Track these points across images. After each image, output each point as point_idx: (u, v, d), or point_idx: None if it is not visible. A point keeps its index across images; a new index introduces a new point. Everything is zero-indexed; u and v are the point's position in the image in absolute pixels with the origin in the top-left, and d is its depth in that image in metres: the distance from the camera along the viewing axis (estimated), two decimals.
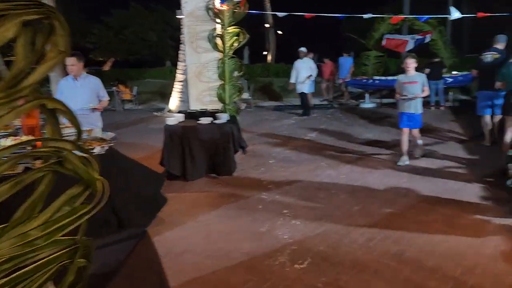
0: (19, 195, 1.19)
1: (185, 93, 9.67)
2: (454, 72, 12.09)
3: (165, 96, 12.93)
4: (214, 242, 3.65)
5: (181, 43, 10.16)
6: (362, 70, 13.21)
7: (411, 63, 5.75)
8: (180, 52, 10.99)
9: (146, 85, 16.76)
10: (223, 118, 5.74)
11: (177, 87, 11.48)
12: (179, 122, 5.71)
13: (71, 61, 4.84)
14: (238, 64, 6.41)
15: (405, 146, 5.96)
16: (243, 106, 10.07)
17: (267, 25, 22.72)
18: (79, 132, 1.36)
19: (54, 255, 1.23)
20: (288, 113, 11.59)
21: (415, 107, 5.78)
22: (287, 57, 15.40)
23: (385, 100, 12.78)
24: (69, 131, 4.02)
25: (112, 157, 3.92)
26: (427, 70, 10.85)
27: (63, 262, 1.26)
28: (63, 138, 1.28)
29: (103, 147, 3.90)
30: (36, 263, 1.17)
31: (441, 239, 3.55)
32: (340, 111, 11.70)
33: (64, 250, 1.26)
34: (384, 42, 12.51)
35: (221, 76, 6.28)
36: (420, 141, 6.14)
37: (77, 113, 4.60)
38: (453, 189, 4.84)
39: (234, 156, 5.73)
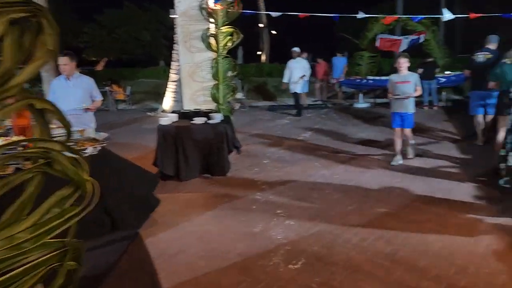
0: (7, 196, 1.16)
1: (178, 93, 9.63)
2: (447, 72, 12.15)
3: (159, 96, 12.87)
4: (208, 242, 3.63)
5: (174, 43, 10.11)
6: (356, 70, 13.24)
7: (403, 63, 5.77)
8: (173, 51, 10.95)
9: (139, 85, 16.68)
10: (217, 118, 5.72)
11: (170, 87, 11.43)
12: (173, 122, 5.68)
13: (63, 61, 4.80)
14: (232, 64, 6.39)
15: (398, 145, 5.98)
16: (237, 106, 10.05)
17: (261, 25, 22.70)
18: (69, 132, 1.33)
19: (43, 258, 1.21)
20: (282, 113, 11.58)
21: (408, 107, 5.79)
22: (281, 57, 15.42)
23: (378, 100, 12.81)
24: (61, 131, 4.00)
25: (105, 157, 3.89)
26: (420, 70, 10.90)
27: (53, 265, 1.24)
28: (52, 138, 1.26)
29: (95, 147, 3.87)
30: (25, 266, 1.15)
31: (434, 239, 3.56)
32: (334, 111, 11.72)
33: (53, 253, 1.23)
34: (378, 43, 12.54)
35: (215, 76, 6.26)
36: (412, 141, 6.16)
37: (70, 113, 4.60)
38: (446, 189, 4.86)
39: (228, 156, 5.71)
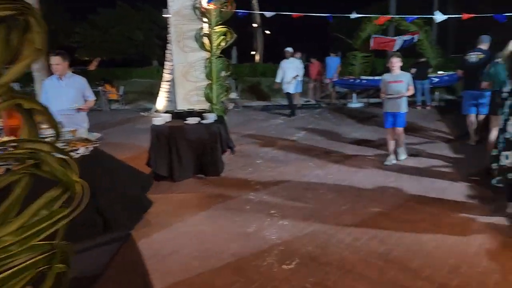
0: None
1: (172, 93, 9.59)
2: (439, 72, 12.22)
3: (152, 96, 12.81)
4: (202, 243, 3.61)
5: (168, 43, 10.07)
6: (349, 70, 13.27)
7: (396, 62, 5.77)
8: (167, 51, 10.89)
9: (133, 85, 16.60)
10: (211, 118, 5.70)
11: (164, 87, 11.38)
12: (166, 122, 5.65)
13: (55, 60, 4.77)
14: (226, 63, 6.37)
15: (391, 145, 5.99)
16: (231, 106, 10.03)
17: (255, 25, 22.68)
18: (58, 133, 1.31)
19: (31, 261, 1.18)
20: (276, 113, 11.58)
21: (400, 106, 5.80)
22: (275, 57, 15.40)
23: (372, 100, 12.85)
24: (53, 131, 3.97)
25: (97, 157, 3.86)
26: (413, 70, 10.95)
27: (41, 268, 1.22)
28: (41, 139, 1.23)
29: (87, 147, 3.84)
30: (12, 269, 1.13)
31: (427, 238, 3.57)
32: (327, 111, 11.74)
33: (42, 256, 1.21)
34: (372, 44, 12.58)
35: (209, 75, 6.24)
36: (404, 141, 6.14)
37: (62, 113, 4.55)
38: (439, 188, 4.87)
39: (222, 157, 5.69)
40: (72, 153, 3.66)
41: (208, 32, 6.13)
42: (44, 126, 2.43)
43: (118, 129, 9.77)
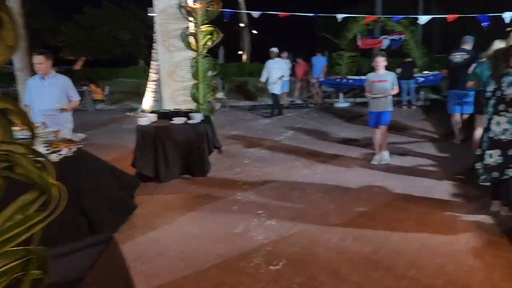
0: None
1: (159, 92, 9.50)
2: (425, 72, 12.35)
3: (139, 96, 12.69)
4: (188, 244, 3.57)
5: (154, 42, 9.97)
6: (336, 69, 13.33)
7: (381, 62, 5.78)
8: (153, 51, 10.79)
9: (118, 85, 16.41)
10: (197, 118, 5.65)
11: (150, 86, 11.28)
12: (152, 122, 5.58)
13: (38, 60, 4.68)
14: (212, 63, 6.33)
15: (378, 145, 6.01)
16: (218, 106, 9.96)
17: (242, 25, 22.64)
18: (33, 134, 1.26)
19: (5, 267, 1.14)
20: (263, 113, 11.56)
21: (385, 106, 5.80)
22: (262, 57, 15.39)
23: (358, 100, 12.93)
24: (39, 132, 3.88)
25: (80, 158, 3.80)
26: (399, 70, 11.07)
27: (16, 275, 1.17)
28: (15, 140, 1.18)
29: (70, 148, 3.77)
30: None
31: (414, 237, 3.59)
32: (314, 111, 11.77)
33: (17, 262, 1.17)
34: (359, 43, 12.67)
35: (195, 75, 6.19)
36: (386, 142, 6.11)
37: (45, 113, 4.46)
38: (425, 187, 4.91)
39: (209, 157, 5.65)
40: (54, 154, 3.60)
41: (194, 32, 6.07)
42: (19, 127, 2.36)
43: (103, 129, 9.64)
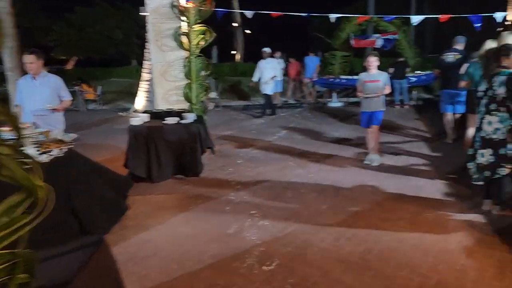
0: None
1: (151, 92, 9.45)
2: (417, 72, 12.41)
3: (131, 95, 12.61)
4: (181, 245, 3.55)
5: (147, 42, 9.92)
6: (329, 69, 13.35)
7: (373, 62, 5.77)
8: (146, 50, 10.73)
9: (111, 85, 16.31)
10: (190, 118, 5.62)
11: (143, 86, 11.21)
12: (144, 122, 5.55)
13: (29, 59, 4.65)
14: (205, 63, 6.30)
15: (370, 144, 6.02)
16: (211, 106, 9.93)
17: (235, 24, 22.61)
18: (19, 134, 1.24)
19: None
20: (257, 112, 11.54)
21: (378, 106, 5.80)
22: (256, 56, 15.38)
23: (352, 99, 12.97)
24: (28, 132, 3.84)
25: (71, 159, 3.76)
26: (391, 70, 11.12)
27: (2, 279, 1.15)
28: (0, 141, 1.16)
29: (61, 149, 3.73)
30: None
31: (406, 236, 3.60)
32: (308, 110, 11.77)
33: (2, 266, 1.14)
34: (353, 43, 12.70)
35: (188, 75, 6.16)
36: (378, 143, 6.10)
37: (36, 113, 4.42)
38: (417, 186, 4.93)
39: (202, 157, 5.62)
40: (45, 155, 3.56)
41: (187, 31, 6.04)
42: (8, 127, 2.33)
43: (96, 129, 9.58)
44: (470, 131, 5.59)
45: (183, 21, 6.04)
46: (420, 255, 3.26)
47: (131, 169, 5.26)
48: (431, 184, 5.00)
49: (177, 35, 6.05)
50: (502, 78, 3.83)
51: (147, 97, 10.98)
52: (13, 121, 1.20)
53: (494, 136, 3.90)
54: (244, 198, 4.69)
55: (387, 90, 5.82)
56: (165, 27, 6.09)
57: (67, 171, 3.65)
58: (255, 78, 10.85)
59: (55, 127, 4.56)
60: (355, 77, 11.93)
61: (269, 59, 10.90)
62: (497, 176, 3.91)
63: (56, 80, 4.92)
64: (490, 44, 4.82)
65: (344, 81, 12.42)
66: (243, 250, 3.40)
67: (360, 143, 7.02)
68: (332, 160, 6.25)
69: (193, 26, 6.02)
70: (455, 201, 4.44)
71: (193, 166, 5.44)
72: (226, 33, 21.08)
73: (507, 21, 8.00)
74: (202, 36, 6.10)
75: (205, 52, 6.33)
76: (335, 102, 12.69)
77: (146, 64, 10.93)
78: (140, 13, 9.85)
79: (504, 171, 3.86)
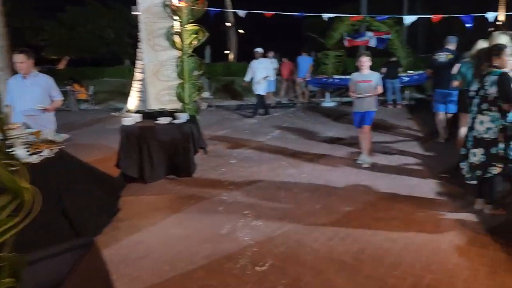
0: None
1: (144, 92, 9.39)
2: (410, 71, 12.47)
3: (124, 95, 12.53)
4: (173, 246, 3.52)
5: (139, 41, 9.86)
6: (322, 69, 13.36)
7: (365, 61, 5.76)
8: (138, 50, 10.66)
9: (103, 84, 16.21)
10: (183, 117, 5.59)
11: (136, 86, 11.14)
12: (136, 122, 5.51)
13: (19, 59, 4.60)
14: (198, 62, 6.27)
15: (363, 144, 6.03)
16: (204, 105, 9.89)
17: (228, 24, 22.57)
18: (4, 135, 1.21)
19: None
20: (250, 112, 11.53)
21: (370, 105, 5.79)
22: (249, 56, 15.37)
23: (345, 99, 12.98)
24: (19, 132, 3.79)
25: (62, 159, 3.72)
26: (384, 69, 11.16)
27: None
28: None
29: (52, 149, 3.69)
30: None
31: (399, 236, 3.60)
32: (301, 110, 11.77)
33: None
34: (346, 43, 12.73)
35: (180, 74, 6.12)
36: (369, 143, 6.08)
37: (26, 113, 4.38)
38: (410, 186, 4.94)
39: (194, 157, 5.59)
40: (35, 156, 3.51)
41: (179, 30, 6.01)
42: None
43: (87, 129, 9.50)
44: (462, 131, 5.61)
45: (175, 20, 6.00)
46: (413, 254, 3.26)
47: (123, 169, 5.22)
48: (423, 184, 5.02)
49: (169, 35, 6.01)
50: (494, 77, 3.85)
51: (140, 97, 10.91)
52: None
53: (485, 136, 3.92)
54: (237, 198, 4.67)
55: (379, 90, 5.82)
56: (158, 26, 6.05)
57: (58, 172, 3.61)
58: (247, 78, 10.84)
59: (46, 127, 4.51)
60: (348, 76, 11.91)
61: (262, 59, 10.89)
62: (489, 175, 3.93)
63: (47, 80, 4.88)
64: (482, 44, 4.85)
65: (337, 80, 12.43)
66: (236, 251, 3.38)
67: (353, 142, 7.02)
68: (325, 159, 6.25)
69: (185, 26, 5.98)
70: (448, 200, 4.46)
71: (185, 166, 5.41)
72: (219, 32, 21.04)
73: (498, 21, 8.07)
74: (195, 35, 6.07)
75: (198, 51, 6.30)
76: (328, 102, 12.70)
77: (138, 63, 10.86)
78: (132, 12, 9.77)
79: (495, 170, 3.88)
